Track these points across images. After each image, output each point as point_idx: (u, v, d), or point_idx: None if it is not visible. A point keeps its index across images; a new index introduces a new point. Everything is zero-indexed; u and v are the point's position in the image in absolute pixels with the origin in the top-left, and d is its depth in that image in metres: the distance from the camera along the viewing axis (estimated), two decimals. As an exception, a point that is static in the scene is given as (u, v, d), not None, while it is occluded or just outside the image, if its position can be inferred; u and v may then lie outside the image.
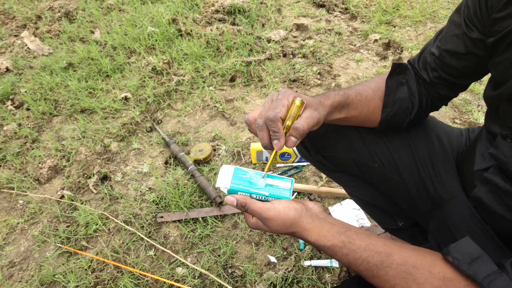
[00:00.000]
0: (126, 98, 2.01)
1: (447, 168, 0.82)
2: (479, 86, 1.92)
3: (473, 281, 0.50)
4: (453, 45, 0.72)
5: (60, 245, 1.37)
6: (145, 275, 1.26)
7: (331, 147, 0.89)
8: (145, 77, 2.10)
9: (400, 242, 0.61)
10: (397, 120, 0.80)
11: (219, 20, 2.46)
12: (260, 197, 0.66)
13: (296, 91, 1.91)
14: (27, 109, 2.01)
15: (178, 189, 1.51)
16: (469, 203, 0.77)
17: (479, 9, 0.65)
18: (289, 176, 1.55)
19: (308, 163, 1.58)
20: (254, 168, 1.59)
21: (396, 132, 0.85)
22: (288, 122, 0.62)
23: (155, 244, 1.35)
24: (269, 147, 0.63)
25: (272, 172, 1.59)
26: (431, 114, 0.88)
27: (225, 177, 0.66)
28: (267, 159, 1.60)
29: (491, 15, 0.63)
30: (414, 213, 0.90)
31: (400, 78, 0.79)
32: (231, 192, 0.66)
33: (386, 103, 0.78)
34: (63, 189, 1.59)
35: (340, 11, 2.59)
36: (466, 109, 1.81)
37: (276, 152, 0.63)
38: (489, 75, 0.70)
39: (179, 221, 1.41)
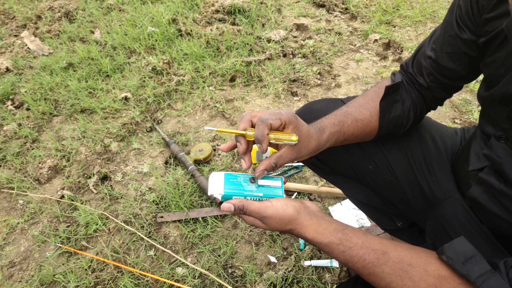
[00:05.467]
0: (126, 98, 2.01)
1: (442, 168, 0.82)
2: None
3: (466, 280, 0.51)
4: (448, 47, 0.71)
5: (60, 245, 1.37)
6: (145, 275, 1.26)
7: (325, 150, 0.89)
8: (145, 77, 2.11)
9: (396, 241, 0.61)
10: (392, 133, 0.81)
11: (219, 20, 2.46)
12: (255, 199, 0.66)
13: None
14: (27, 109, 2.02)
15: (178, 189, 1.51)
16: (464, 203, 0.77)
17: (470, 9, 0.65)
18: (289, 176, 1.55)
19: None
20: (253, 168, 1.59)
21: None
22: (271, 135, 0.62)
23: (155, 244, 1.35)
24: (240, 141, 0.65)
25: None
26: (429, 114, 0.88)
27: (217, 184, 0.66)
28: (267, 159, 1.60)
29: (482, 15, 0.63)
30: (411, 213, 0.90)
31: (394, 96, 0.78)
32: (225, 198, 0.66)
33: (381, 124, 0.79)
34: (63, 189, 1.59)
35: (340, 11, 2.59)
36: (466, 109, 1.81)
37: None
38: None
39: (179, 221, 1.41)
